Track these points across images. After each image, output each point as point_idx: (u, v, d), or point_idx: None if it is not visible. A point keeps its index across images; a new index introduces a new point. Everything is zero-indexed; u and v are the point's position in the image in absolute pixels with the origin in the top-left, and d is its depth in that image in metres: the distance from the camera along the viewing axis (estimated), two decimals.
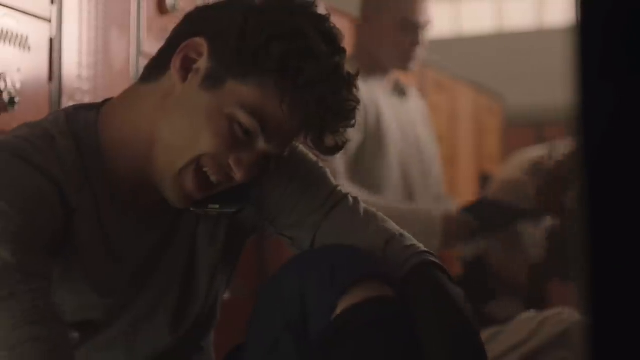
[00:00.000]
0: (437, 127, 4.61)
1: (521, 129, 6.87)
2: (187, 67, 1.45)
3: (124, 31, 2.41)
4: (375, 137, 3.03)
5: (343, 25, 3.65)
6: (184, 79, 1.45)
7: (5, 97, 1.99)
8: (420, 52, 3.14)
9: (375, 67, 3.11)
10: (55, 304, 1.39)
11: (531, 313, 2.57)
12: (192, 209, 1.54)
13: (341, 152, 2.52)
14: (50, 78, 2.17)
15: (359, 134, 2.96)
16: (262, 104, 1.41)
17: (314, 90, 1.41)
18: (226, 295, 2.78)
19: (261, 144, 1.44)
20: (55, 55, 2.19)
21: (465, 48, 8.24)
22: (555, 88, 5.08)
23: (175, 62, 1.45)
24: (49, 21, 2.17)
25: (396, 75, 3.20)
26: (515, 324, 2.54)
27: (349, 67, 1.48)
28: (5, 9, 2.04)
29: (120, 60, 2.39)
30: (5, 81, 2.00)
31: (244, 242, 1.66)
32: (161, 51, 1.52)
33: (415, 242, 1.59)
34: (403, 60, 3.12)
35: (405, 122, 3.18)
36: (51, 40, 2.18)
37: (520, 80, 7.63)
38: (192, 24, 1.50)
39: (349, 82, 1.46)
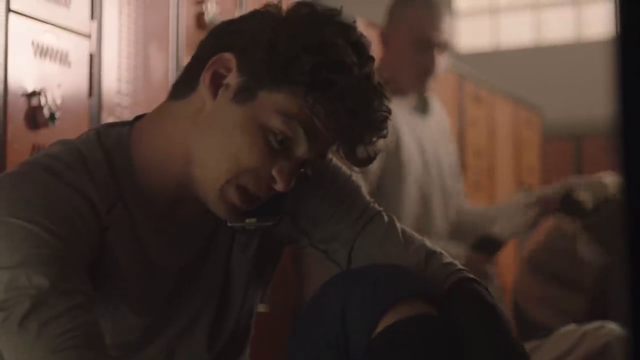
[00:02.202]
0: (476, 141, 4.59)
1: (560, 141, 6.84)
2: (217, 83, 1.44)
3: (163, 46, 2.42)
4: (394, 163, 3.01)
5: (372, 36, 3.65)
6: (215, 95, 1.44)
7: (46, 112, 2.01)
8: (438, 72, 3.07)
9: (394, 85, 3.07)
10: (96, 321, 1.39)
11: (571, 327, 2.55)
12: (229, 224, 1.54)
13: (362, 180, 2.51)
14: (90, 93, 2.19)
15: (380, 160, 2.94)
16: (297, 109, 1.41)
17: (344, 101, 1.41)
18: (265, 309, 2.78)
19: (302, 150, 1.43)
20: (95, 70, 2.21)
21: (504, 61, 8.21)
22: (594, 101, 5.05)
23: (205, 79, 1.45)
24: (89, 37, 2.19)
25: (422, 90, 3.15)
26: (555, 337, 2.52)
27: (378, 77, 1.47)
28: (46, 25, 2.06)
29: (159, 76, 2.41)
30: (45, 97, 2.02)
31: (278, 254, 1.66)
32: (188, 68, 1.51)
33: (453, 260, 1.58)
34: (420, 80, 3.05)
35: (425, 140, 3.14)
36: (91, 56, 2.20)
37: (559, 93, 7.59)
38: (218, 38, 1.49)
39: (380, 92, 1.45)
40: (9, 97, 1.95)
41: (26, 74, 2.00)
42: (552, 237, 3.38)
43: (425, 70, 3.03)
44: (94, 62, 2.21)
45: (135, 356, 1.53)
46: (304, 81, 1.39)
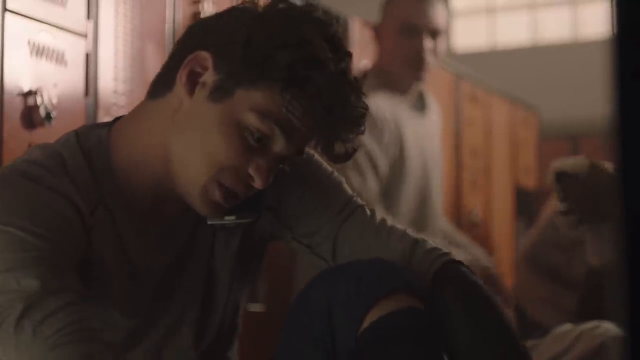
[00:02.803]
0: (472, 140, 4.59)
1: (557, 141, 6.84)
2: (193, 81, 1.44)
3: (160, 46, 2.42)
4: (398, 162, 3.01)
5: (368, 36, 3.64)
6: (191, 93, 1.44)
7: (42, 112, 2.01)
8: (430, 59, 3.03)
9: (393, 83, 3.06)
10: (92, 316, 1.39)
11: (567, 326, 2.55)
12: (209, 222, 1.54)
13: (375, 180, 2.51)
14: (87, 93, 2.19)
15: (386, 159, 2.94)
16: (273, 107, 1.41)
17: (321, 97, 1.41)
18: (261, 309, 2.78)
19: (279, 147, 1.44)
20: (91, 70, 2.21)
21: (500, 61, 8.21)
22: (591, 100, 5.05)
23: (181, 77, 1.45)
24: (85, 37, 2.19)
25: (419, 87, 3.15)
26: (551, 337, 2.52)
27: (355, 73, 1.47)
28: (42, 24, 2.06)
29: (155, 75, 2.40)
30: (42, 96, 2.01)
31: (262, 249, 1.66)
32: (166, 66, 1.51)
33: (437, 245, 1.59)
34: (413, 69, 3.03)
35: (424, 138, 3.14)
36: (87, 56, 2.20)
37: (556, 92, 7.59)
38: (194, 36, 1.49)
39: (357, 88, 1.45)
40: (5, 97, 1.95)
41: (22, 74, 2.00)
42: (547, 231, 3.38)
43: (416, 57, 3.00)
44: (90, 61, 2.21)
45: (122, 356, 1.52)
46: (280, 78, 1.40)
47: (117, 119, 1.56)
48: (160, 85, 1.50)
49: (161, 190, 1.50)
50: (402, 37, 3.00)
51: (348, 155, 1.48)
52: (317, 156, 1.61)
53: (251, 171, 1.43)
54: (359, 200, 1.62)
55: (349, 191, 1.62)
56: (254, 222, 1.57)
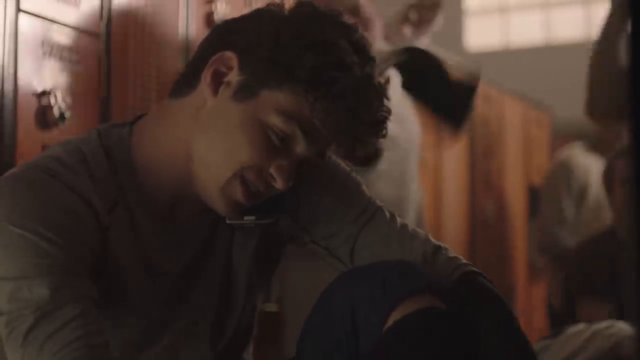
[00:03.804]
0: (486, 140, 4.59)
1: (570, 140, 6.81)
2: (217, 81, 1.45)
3: (173, 46, 2.42)
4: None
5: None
6: (215, 92, 1.45)
7: (56, 112, 2.01)
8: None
9: None
10: (99, 328, 1.38)
11: (580, 326, 2.55)
12: (228, 222, 1.54)
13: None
14: (100, 93, 2.19)
15: None
16: (297, 108, 1.42)
17: (345, 100, 1.41)
18: (274, 309, 2.78)
19: (301, 148, 1.44)
20: (104, 70, 2.21)
21: (513, 60, 8.19)
22: None
23: (206, 77, 1.46)
24: (99, 37, 2.19)
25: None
26: (564, 337, 2.52)
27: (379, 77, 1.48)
28: (55, 24, 2.06)
29: (178, 74, 2.41)
30: (55, 96, 2.02)
31: (279, 252, 1.66)
32: (190, 66, 1.52)
33: (457, 255, 1.59)
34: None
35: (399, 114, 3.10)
36: (100, 56, 2.20)
37: (569, 92, 7.57)
38: (220, 37, 1.50)
39: (380, 92, 1.46)
40: (19, 97, 1.96)
41: (36, 74, 2.00)
42: None
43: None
44: (104, 61, 2.21)
45: (138, 357, 1.53)
46: (305, 80, 1.40)
47: (139, 117, 1.56)
48: (184, 84, 1.51)
49: (181, 190, 1.50)
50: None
51: (369, 159, 1.49)
52: (335, 158, 1.61)
53: (273, 171, 1.44)
54: (378, 202, 1.62)
55: (367, 193, 1.63)
56: (273, 224, 1.57)
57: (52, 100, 2.01)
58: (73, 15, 2.11)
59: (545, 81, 7.56)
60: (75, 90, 2.10)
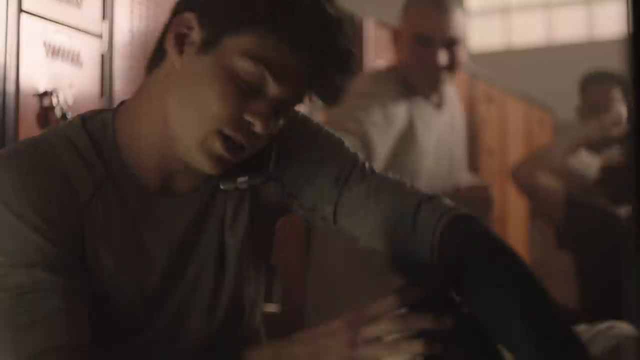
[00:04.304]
0: (488, 140, 4.59)
1: None
2: (181, 42, 1.47)
3: None
4: (407, 138, 2.99)
5: (382, 36, 3.63)
6: (181, 53, 1.46)
7: (58, 112, 2.01)
8: (446, 72, 3.00)
9: (410, 86, 3.03)
10: (83, 322, 1.40)
11: (582, 327, 2.54)
12: (222, 187, 1.55)
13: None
14: (102, 93, 2.19)
15: (390, 140, 2.93)
16: (262, 50, 1.42)
17: (304, 35, 1.42)
18: (274, 310, 2.78)
19: (273, 90, 1.44)
20: (106, 70, 2.21)
21: (515, 60, 8.20)
22: None
23: (170, 40, 1.47)
24: (101, 37, 2.20)
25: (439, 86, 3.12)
26: None
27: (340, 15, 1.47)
28: (58, 25, 2.06)
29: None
30: (57, 97, 2.02)
31: (271, 225, 1.65)
32: (157, 41, 1.53)
33: (444, 200, 1.58)
34: (427, 80, 3.00)
35: (440, 135, 3.13)
36: (102, 56, 2.21)
37: (571, 92, 7.57)
38: (177, 7, 1.52)
39: (338, 23, 1.45)
40: (21, 97, 1.96)
41: (38, 74, 2.01)
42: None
43: (430, 70, 2.97)
44: (105, 62, 2.21)
45: (135, 338, 1.52)
46: (262, 20, 1.41)
47: (122, 102, 1.57)
48: (155, 58, 1.52)
49: (168, 162, 1.50)
50: (417, 47, 2.96)
51: (341, 94, 1.49)
52: (317, 121, 1.62)
53: (249, 116, 1.43)
54: (361, 159, 1.62)
55: (350, 150, 1.62)
56: (265, 182, 1.57)
57: (54, 101, 2.01)
58: (75, 16, 2.11)
59: (547, 81, 7.56)
60: (77, 90, 2.10)
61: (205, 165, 1.47)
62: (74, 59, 2.11)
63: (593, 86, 4.02)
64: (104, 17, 2.21)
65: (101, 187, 1.46)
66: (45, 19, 2.03)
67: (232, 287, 1.58)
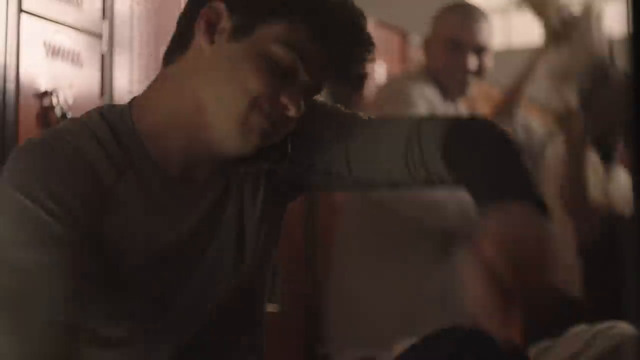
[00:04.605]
0: None
1: None
2: (212, 31, 1.49)
3: None
4: None
5: (382, 36, 3.64)
6: (212, 41, 1.48)
7: (58, 112, 2.01)
8: (473, 77, 3.18)
9: (440, 90, 3.16)
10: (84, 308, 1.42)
11: (582, 327, 2.54)
12: (242, 170, 1.57)
13: None
14: (102, 93, 2.19)
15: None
16: (293, 37, 1.47)
17: (336, 25, 1.48)
18: (275, 309, 2.78)
19: (303, 77, 1.49)
20: (106, 70, 2.21)
21: (515, 60, 8.19)
22: None
23: (200, 27, 1.49)
24: (101, 37, 2.20)
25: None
26: (566, 338, 2.51)
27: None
28: (58, 25, 2.06)
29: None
30: (57, 97, 2.02)
31: (283, 208, 1.67)
32: (179, 27, 1.55)
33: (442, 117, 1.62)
34: (456, 84, 3.17)
35: None
36: (102, 56, 2.21)
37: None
38: None
39: (361, 13, 1.53)
40: (21, 97, 1.96)
41: (38, 74, 2.01)
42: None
43: (459, 74, 3.14)
44: (106, 62, 2.21)
45: (159, 317, 1.52)
46: (294, 9, 1.46)
47: (134, 98, 1.58)
48: (177, 47, 1.53)
49: (193, 152, 1.51)
50: (447, 52, 3.13)
51: (363, 77, 1.54)
52: (321, 100, 1.65)
53: (284, 99, 1.47)
54: (359, 113, 1.65)
55: (348, 110, 1.66)
56: (277, 172, 1.61)
57: (54, 101, 2.02)
58: (75, 16, 2.11)
59: (546, 81, 7.55)
60: (77, 90, 2.10)
61: (246, 142, 1.49)
62: (74, 58, 2.11)
63: None
64: (104, 17, 2.21)
65: (123, 175, 1.47)
66: (45, 18, 2.03)
67: (249, 272, 1.59)
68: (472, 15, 3.20)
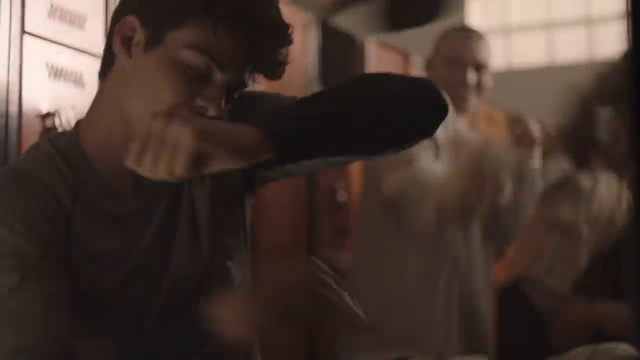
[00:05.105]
0: None
1: None
2: (128, 44, 1.52)
3: None
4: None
5: (395, 60, 3.65)
6: (129, 55, 1.52)
7: None
8: (474, 93, 3.23)
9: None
10: (63, 326, 1.43)
11: (580, 347, 2.54)
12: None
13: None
14: None
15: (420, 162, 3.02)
16: (202, 39, 1.48)
17: (241, 16, 1.49)
18: None
19: (219, 77, 1.50)
20: None
21: (516, 81, 8.21)
22: None
23: (116, 44, 1.52)
24: None
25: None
26: (565, 358, 2.51)
27: None
28: (60, 46, 2.07)
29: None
30: (60, 118, 2.03)
31: (237, 197, 1.68)
32: (105, 49, 1.58)
33: None
34: (456, 100, 3.19)
35: (454, 145, 3.22)
36: None
37: None
38: (118, 13, 1.57)
39: (273, 4, 1.53)
40: (24, 118, 1.97)
41: (41, 95, 2.01)
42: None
43: (459, 88, 3.19)
44: None
45: (134, 333, 1.54)
46: (195, 10, 1.48)
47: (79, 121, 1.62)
48: (105, 65, 1.57)
49: None
50: (448, 69, 3.20)
51: (282, 67, 1.55)
52: (251, 91, 1.66)
53: (201, 102, 1.49)
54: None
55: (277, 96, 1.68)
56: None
57: (57, 122, 2.02)
58: (77, 37, 2.12)
59: (548, 102, 7.57)
60: (79, 111, 2.10)
61: None
62: (77, 80, 2.12)
63: None
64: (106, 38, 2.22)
65: (79, 198, 1.50)
66: (48, 40, 2.04)
67: (209, 260, 1.61)
68: (472, 35, 3.30)
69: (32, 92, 1.99)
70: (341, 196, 3.62)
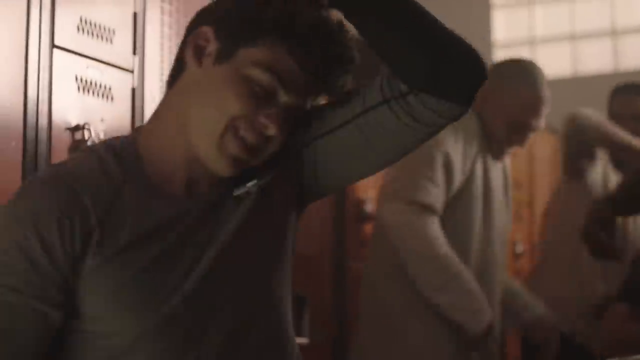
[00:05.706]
0: (515, 172, 4.58)
1: None
2: (200, 54, 1.55)
3: None
4: (464, 198, 3.07)
5: None
6: (200, 64, 1.55)
7: None
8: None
9: (484, 133, 3.15)
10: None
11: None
12: (234, 194, 1.59)
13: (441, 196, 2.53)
14: (133, 127, 2.21)
15: (444, 192, 2.99)
16: (272, 60, 1.52)
17: (311, 41, 1.52)
18: (304, 341, 2.78)
19: (283, 98, 1.53)
20: (137, 105, 2.23)
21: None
22: None
23: (188, 52, 1.56)
24: (132, 72, 2.22)
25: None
26: None
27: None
28: (89, 60, 2.09)
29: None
30: (89, 131, 2.04)
31: (286, 218, 1.68)
32: (176, 57, 1.61)
33: None
34: (508, 146, 3.21)
35: (493, 185, 3.20)
36: (133, 91, 2.23)
37: None
38: (196, 19, 1.60)
39: (340, 30, 1.55)
40: (54, 131, 1.98)
41: (70, 109, 2.03)
42: None
43: (514, 143, 3.20)
44: (137, 96, 2.23)
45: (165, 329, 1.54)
46: (271, 32, 1.52)
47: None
48: (175, 73, 1.60)
49: (193, 168, 1.56)
50: (507, 126, 3.14)
51: (348, 90, 1.58)
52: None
53: (263, 119, 1.51)
54: None
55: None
56: (274, 186, 1.63)
57: (86, 135, 2.04)
58: (106, 51, 2.14)
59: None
60: (108, 125, 2.12)
61: (222, 167, 1.54)
62: (106, 93, 2.13)
63: (619, 95, 4.10)
64: (134, 52, 2.23)
65: (119, 193, 1.51)
66: (78, 54, 2.06)
67: (256, 281, 1.61)
68: (541, 93, 3.18)
69: (62, 105, 2.00)
70: (369, 207, 3.59)
